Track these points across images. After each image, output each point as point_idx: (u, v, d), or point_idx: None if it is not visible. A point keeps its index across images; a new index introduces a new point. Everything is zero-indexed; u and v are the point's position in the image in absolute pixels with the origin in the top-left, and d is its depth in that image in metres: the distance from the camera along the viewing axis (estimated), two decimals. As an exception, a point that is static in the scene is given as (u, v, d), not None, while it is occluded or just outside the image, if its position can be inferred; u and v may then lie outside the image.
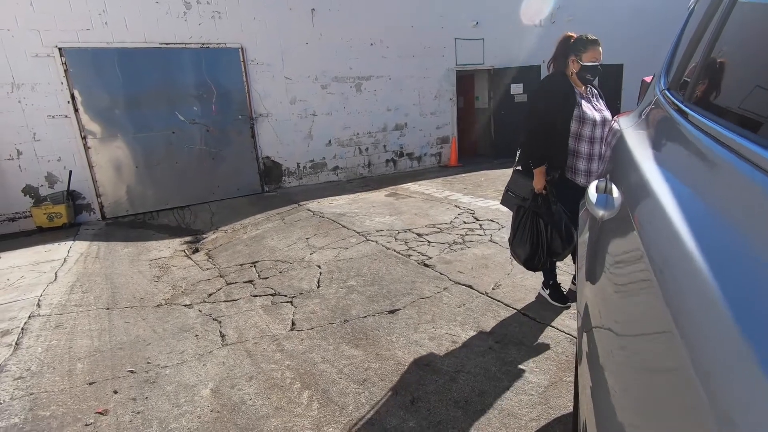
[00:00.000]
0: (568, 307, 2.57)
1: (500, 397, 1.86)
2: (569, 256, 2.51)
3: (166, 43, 5.81)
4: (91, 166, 5.61)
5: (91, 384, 2.14)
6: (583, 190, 2.35)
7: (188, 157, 6.23)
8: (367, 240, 4.12)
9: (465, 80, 9.43)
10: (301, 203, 5.89)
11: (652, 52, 7.74)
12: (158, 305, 3.06)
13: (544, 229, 2.35)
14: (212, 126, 6.32)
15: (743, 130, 0.50)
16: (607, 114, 2.44)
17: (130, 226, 5.49)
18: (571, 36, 2.37)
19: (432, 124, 8.49)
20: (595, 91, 2.50)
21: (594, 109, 2.40)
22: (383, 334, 2.43)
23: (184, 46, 5.92)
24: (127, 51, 5.59)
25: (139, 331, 2.67)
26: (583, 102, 2.38)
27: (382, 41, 7.56)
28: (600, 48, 2.31)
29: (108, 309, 3.01)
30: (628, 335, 0.55)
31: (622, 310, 0.60)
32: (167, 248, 4.47)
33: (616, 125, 1.36)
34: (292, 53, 6.79)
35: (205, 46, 6.06)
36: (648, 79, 1.42)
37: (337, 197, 6.19)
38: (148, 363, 2.31)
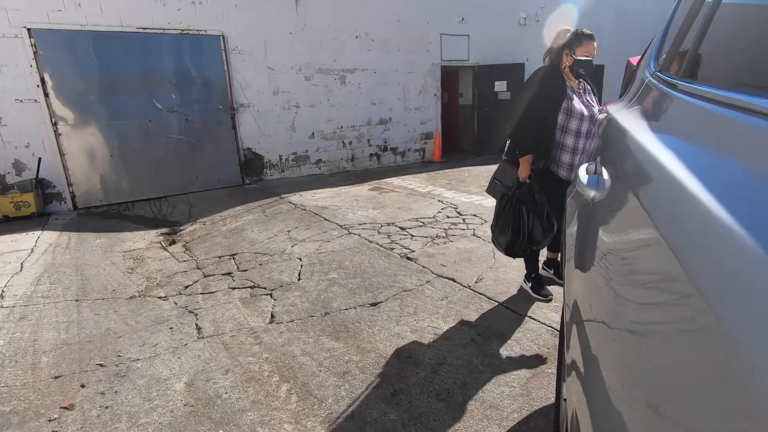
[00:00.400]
0: (549, 301, 2.58)
1: (482, 389, 1.84)
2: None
3: (144, 28, 5.60)
4: (62, 154, 5.38)
5: (56, 378, 2.03)
6: (565, 184, 2.38)
7: (166, 147, 6.04)
8: (350, 233, 4.07)
9: (450, 76, 9.43)
10: (282, 196, 5.78)
11: (629, 52, 7.89)
12: (131, 297, 2.94)
13: (526, 216, 2.36)
14: (191, 115, 6.14)
15: (736, 91, 0.51)
16: (597, 110, 2.43)
17: (103, 216, 5.30)
18: (568, 30, 2.36)
19: (416, 119, 8.47)
20: (588, 87, 2.49)
21: (583, 103, 2.40)
22: (365, 327, 2.39)
23: (162, 31, 5.73)
24: (102, 34, 5.37)
25: (110, 324, 2.56)
26: (574, 96, 2.38)
27: (368, 34, 7.48)
28: (594, 43, 2.31)
29: (77, 301, 2.88)
30: (632, 329, 0.53)
31: (624, 301, 0.57)
32: (142, 240, 4.32)
33: (604, 114, 1.35)
34: (275, 43, 6.65)
35: (184, 32, 5.87)
36: (634, 60, 1.43)
37: (319, 190, 6.11)
38: (119, 356, 2.21)
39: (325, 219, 4.58)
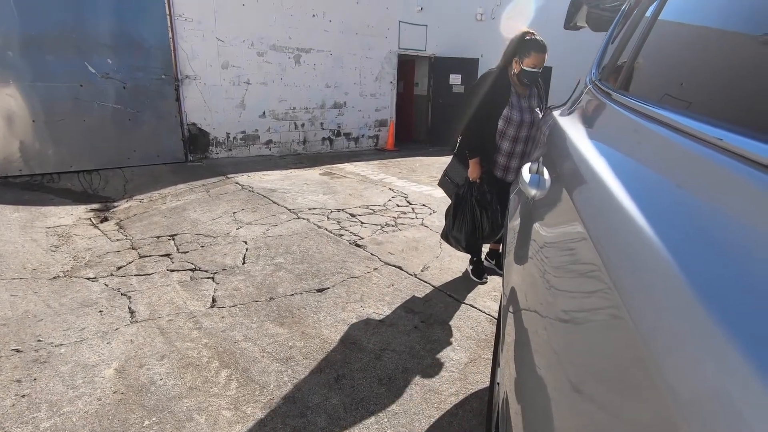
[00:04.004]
0: (485, 283, 2.78)
1: (423, 374, 1.91)
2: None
3: (76, -18, 5.06)
4: (-27, 115, 4.78)
5: (-38, 365, 1.84)
6: (502, 183, 2.51)
7: (99, 116, 5.55)
8: (299, 217, 4.00)
9: (406, 65, 9.45)
10: (229, 176, 5.55)
11: (581, 55, 8.33)
12: (55, 277, 2.71)
13: (479, 215, 2.51)
14: (129, 83, 5.68)
15: (664, 106, 0.56)
16: (539, 115, 2.46)
17: (23, 187, 4.80)
18: (527, 33, 2.31)
19: (371, 106, 8.42)
20: (536, 91, 2.50)
21: (524, 109, 2.42)
22: (310, 313, 2.38)
23: (98, -13, 5.21)
24: (24, -17, 4.78)
25: (29, 306, 2.35)
26: (515, 102, 2.40)
27: (325, 14, 7.28)
28: (545, 55, 2.29)
29: (-11, 280, 2.61)
30: (560, 317, 0.57)
31: (554, 291, 0.61)
32: (69, 215, 3.98)
33: (549, 115, 1.42)
34: (226, 13, 6.28)
35: (124, -9, 5.38)
36: None
37: (268, 172, 5.93)
38: (39, 341, 2.04)
39: (274, 202, 4.46)
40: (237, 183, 5.21)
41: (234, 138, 6.86)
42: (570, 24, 1.92)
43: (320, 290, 2.65)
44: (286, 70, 7.12)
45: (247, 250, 3.23)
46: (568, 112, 1.10)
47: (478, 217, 2.51)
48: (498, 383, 1.24)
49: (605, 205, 0.50)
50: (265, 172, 5.89)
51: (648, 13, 0.97)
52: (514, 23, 8.97)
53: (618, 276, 0.42)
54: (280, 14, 6.79)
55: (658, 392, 0.30)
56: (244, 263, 3.00)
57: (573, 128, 0.86)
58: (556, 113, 1.28)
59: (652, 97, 0.67)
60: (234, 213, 4.09)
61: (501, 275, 2.77)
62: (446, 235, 2.72)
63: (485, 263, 2.98)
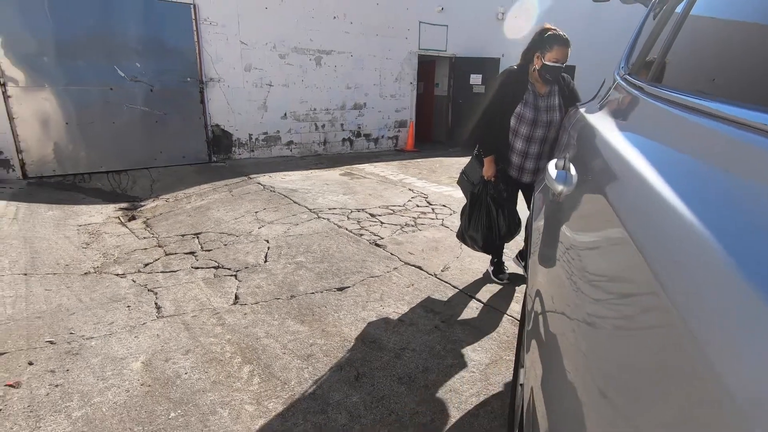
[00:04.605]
0: (506, 283, 2.75)
1: (443, 374, 1.90)
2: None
3: (107, -11, 5.25)
4: (11, 118, 5.01)
5: (1, 355, 1.93)
6: (517, 183, 2.46)
7: (128, 118, 5.74)
8: (319, 217, 4.03)
9: (426, 66, 9.42)
10: (251, 176, 5.65)
11: (604, 54, 8.14)
12: (86, 273, 2.81)
13: (495, 214, 2.47)
14: (157, 86, 5.85)
15: (704, 95, 0.54)
16: (558, 116, 2.34)
17: (56, 187, 5.00)
18: (547, 29, 2.25)
19: (391, 107, 8.43)
20: (557, 89, 2.37)
21: (541, 108, 2.32)
22: (330, 311, 2.40)
23: (127, -6, 5.38)
24: (59, -9, 4.99)
25: (62, 300, 2.44)
26: (531, 99, 2.31)
27: (346, 16, 7.33)
28: (567, 49, 2.21)
29: (26, 275, 2.72)
30: (590, 321, 0.55)
31: (585, 294, 0.60)
32: (99, 214, 4.12)
33: (575, 113, 1.39)
34: (249, 17, 6.40)
35: (152, -3, 5.55)
36: None
37: (289, 172, 6.00)
38: (71, 334, 2.12)
39: (295, 202, 4.51)
40: (259, 183, 5.29)
41: (256, 139, 6.97)
42: None
43: (340, 289, 2.66)
44: (307, 71, 7.20)
45: (268, 248, 3.27)
46: (598, 108, 1.07)
47: (494, 216, 2.47)
48: (521, 384, 1.23)
49: (647, 200, 0.48)
50: (286, 173, 5.97)
51: (679, 8, 0.94)
52: (521, 22, 8.87)
53: (665, 277, 0.39)
54: (302, 17, 6.88)
55: (713, 400, 0.29)
56: (265, 261, 3.04)
57: (604, 123, 0.84)
58: (582, 110, 1.26)
59: (687, 87, 0.65)
60: (256, 212, 4.16)
61: (525, 276, 2.73)
62: (462, 235, 2.68)
63: (515, 263, 2.97)
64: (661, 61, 0.89)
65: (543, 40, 2.24)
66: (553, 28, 2.26)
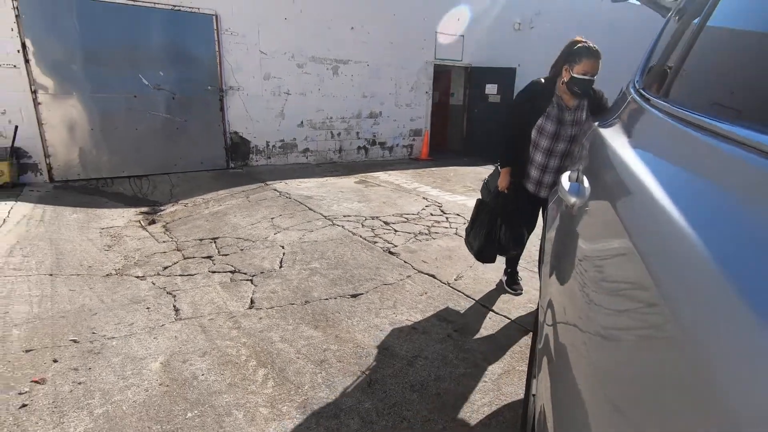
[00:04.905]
0: (519, 294, 2.73)
1: (455, 383, 1.90)
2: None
3: (134, 0, 5.45)
4: (40, 123, 5.21)
5: (27, 352, 2.00)
6: (535, 199, 2.44)
7: (150, 124, 5.91)
8: (334, 224, 4.08)
9: (442, 75, 9.48)
10: (267, 182, 5.74)
11: (621, 66, 8.06)
12: (108, 275, 2.90)
13: (498, 226, 2.47)
14: (178, 94, 6.02)
15: (710, 114, 0.55)
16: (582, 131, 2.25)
17: (80, 191, 5.16)
18: (577, 41, 2.21)
19: (406, 116, 8.50)
20: (585, 104, 2.31)
21: (565, 122, 2.29)
22: (344, 317, 2.42)
23: (153, 5, 5.58)
24: (89, 3, 5.20)
25: (85, 301, 2.52)
26: (554, 113, 2.28)
27: (363, 26, 7.45)
28: (597, 62, 2.15)
29: (51, 275, 2.82)
30: (602, 333, 0.56)
31: (597, 305, 0.61)
32: (121, 217, 4.24)
33: (589, 126, 1.40)
34: (269, 27, 6.56)
35: (176, 8, 5.73)
36: None
37: (305, 180, 6.09)
38: (94, 333, 2.19)
39: (310, 209, 4.58)
40: (275, 190, 5.38)
41: (273, 146, 7.09)
42: None
43: (354, 296, 2.69)
44: (324, 80, 7.32)
45: (284, 254, 3.32)
46: (611, 122, 1.09)
47: (497, 226, 2.46)
48: (534, 395, 1.23)
49: (652, 216, 0.49)
50: (301, 180, 6.05)
51: (696, 20, 0.95)
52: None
53: (668, 291, 0.40)
54: (320, 27, 7.02)
55: (714, 413, 0.29)
56: (281, 267, 3.09)
57: (616, 136, 0.85)
58: (596, 123, 1.27)
59: (699, 105, 0.66)
60: (272, 218, 4.22)
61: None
62: (465, 239, 2.69)
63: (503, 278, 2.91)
64: (675, 75, 0.90)
65: (572, 52, 2.19)
66: (583, 40, 2.20)
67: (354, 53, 7.49)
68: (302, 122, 7.29)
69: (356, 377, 1.92)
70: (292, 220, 4.19)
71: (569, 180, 0.90)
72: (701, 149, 0.53)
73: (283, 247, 3.46)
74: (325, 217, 4.30)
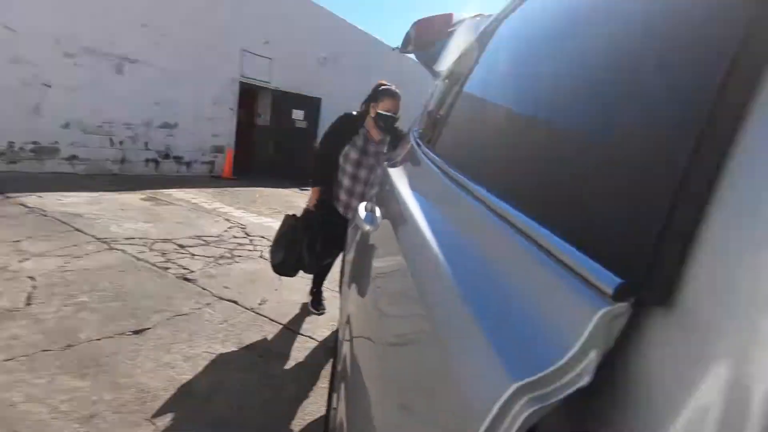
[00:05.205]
0: (323, 314, 2.86)
1: (260, 409, 1.84)
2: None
3: None
4: None
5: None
6: (344, 221, 2.66)
7: None
8: (112, 248, 3.43)
9: (249, 94, 9.27)
10: (9, 195, 4.42)
11: (410, 108, 9.54)
12: None
13: (300, 241, 2.55)
14: None
15: (457, 167, 0.74)
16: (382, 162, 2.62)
17: None
18: (381, 84, 2.60)
19: (207, 131, 7.93)
20: (388, 139, 2.61)
21: (369, 152, 2.59)
22: (124, 359, 2.05)
23: None
24: None
25: None
26: (360, 143, 2.58)
27: (159, 27, 6.68)
28: (397, 101, 2.52)
29: None
30: (386, 340, 0.66)
31: (382, 316, 0.72)
32: None
33: (383, 162, 1.63)
34: (22, -1, 5.19)
35: None
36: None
37: (71, 193, 4.94)
38: None
39: (77, 230, 3.73)
40: (22, 204, 4.18)
41: (21, 148, 5.54)
42: (405, 49, 2.33)
43: (138, 332, 2.31)
44: (104, 78, 6.20)
45: (34, 287, 2.60)
46: (396, 162, 1.31)
47: (298, 240, 2.54)
48: (334, 408, 1.31)
49: (416, 240, 0.63)
50: (65, 193, 4.88)
51: (459, 85, 1.22)
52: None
53: (428, 300, 0.51)
54: (102, 15, 5.96)
55: (453, 399, 0.36)
56: (28, 304, 2.41)
57: (399, 177, 1.04)
58: (387, 162, 1.50)
59: (447, 154, 0.87)
60: (16, 242, 3.26)
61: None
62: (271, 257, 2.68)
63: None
64: (436, 129, 1.15)
65: (377, 92, 2.56)
66: (386, 83, 2.61)
67: (146, 54, 6.61)
68: (68, 123, 5.95)
69: (140, 428, 1.64)
70: (48, 243, 3.33)
71: (365, 210, 1.03)
72: (446, 190, 0.71)
73: (33, 279, 2.70)
74: (99, 239, 3.58)
